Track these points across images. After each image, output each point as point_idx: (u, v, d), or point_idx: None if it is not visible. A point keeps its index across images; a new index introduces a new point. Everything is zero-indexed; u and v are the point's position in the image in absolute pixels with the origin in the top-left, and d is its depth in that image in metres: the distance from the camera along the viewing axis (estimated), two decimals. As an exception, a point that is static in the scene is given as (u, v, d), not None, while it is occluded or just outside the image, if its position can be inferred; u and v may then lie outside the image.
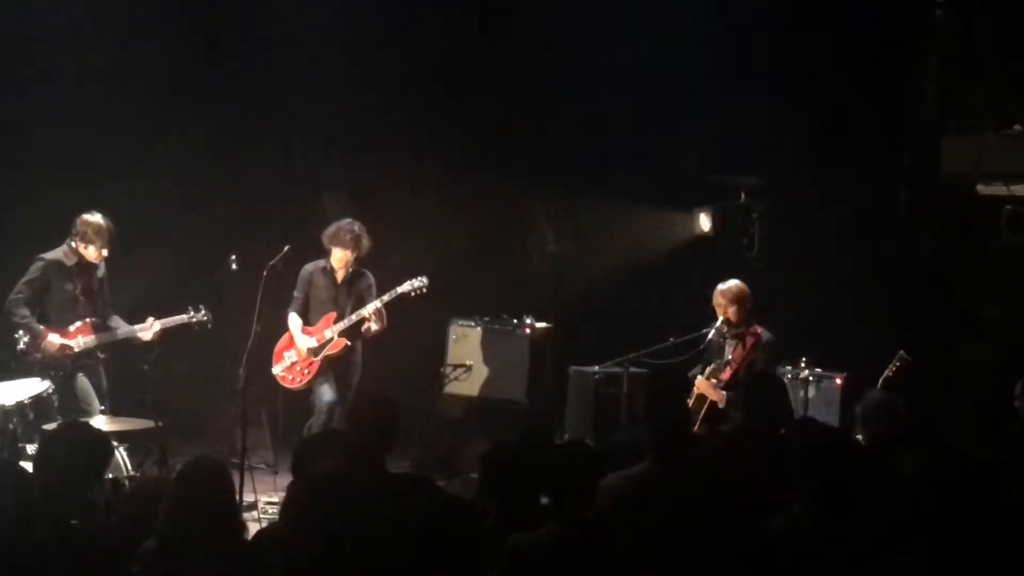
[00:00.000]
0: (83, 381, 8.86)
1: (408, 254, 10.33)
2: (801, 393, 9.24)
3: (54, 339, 8.80)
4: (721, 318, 8.61)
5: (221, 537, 4.71)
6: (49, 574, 4.74)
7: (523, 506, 5.15)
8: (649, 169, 10.99)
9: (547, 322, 10.81)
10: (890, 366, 8.42)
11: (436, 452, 10.35)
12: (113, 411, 8.52)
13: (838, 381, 9.55)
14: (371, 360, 9.68)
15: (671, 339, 9.11)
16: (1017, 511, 4.65)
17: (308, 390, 9.49)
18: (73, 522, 4.91)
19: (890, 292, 10.44)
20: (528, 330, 10.71)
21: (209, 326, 9.16)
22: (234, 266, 8.83)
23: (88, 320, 8.95)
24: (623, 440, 7.72)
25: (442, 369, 10.77)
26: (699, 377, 8.47)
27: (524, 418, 10.02)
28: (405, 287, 9.45)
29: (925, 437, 6.60)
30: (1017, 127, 9.84)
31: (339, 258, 9.47)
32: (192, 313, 9.13)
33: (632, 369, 9.57)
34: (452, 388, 10.77)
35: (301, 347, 9.46)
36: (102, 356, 9.06)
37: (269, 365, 9.49)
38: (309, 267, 9.57)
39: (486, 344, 10.76)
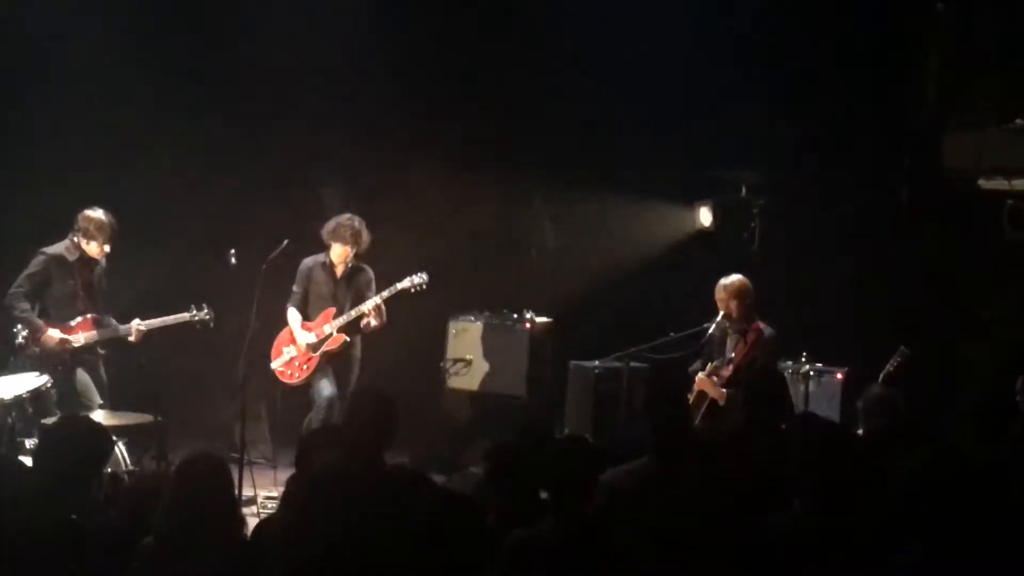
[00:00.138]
0: (83, 376, 8.86)
1: (408, 249, 10.32)
2: (802, 388, 9.26)
3: (53, 334, 8.80)
4: (722, 313, 8.61)
5: (220, 532, 4.70)
6: (48, 569, 4.73)
7: (524, 502, 5.15)
8: (648, 164, 10.97)
9: (547, 317, 10.81)
10: (891, 361, 8.42)
11: (436, 447, 10.34)
12: (112, 406, 8.53)
13: (839, 376, 9.55)
14: (371, 355, 9.68)
15: (671, 334, 9.12)
16: (1017, 510, 4.66)
17: (307, 385, 9.47)
18: (72, 516, 4.90)
19: (890, 291, 10.43)
20: (528, 325, 10.70)
21: (211, 325, 9.16)
22: (233, 260, 8.82)
23: (89, 316, 8.95)
24: (623, 437, 7.73)
25: (442, 364, 10.77)
26: (699, 374, 8.47)
27: (524, 413, 10.01)
28: (405, 283, 9.43)
29: (925, 436, 6.61)
30: (1019, 121, 9.79)
31: (339, 253, 9.46)
32: (194, 312, 9.13)
33: (632, 364, 9.58)
34: (452, 383, 10.77)
35: (300, 342, 9.45)
36: (102, 352, 9.07)
37: (268, 360, 9.48)
38: (308, 261, 9.55)
39: (486, 339, 10.75)
